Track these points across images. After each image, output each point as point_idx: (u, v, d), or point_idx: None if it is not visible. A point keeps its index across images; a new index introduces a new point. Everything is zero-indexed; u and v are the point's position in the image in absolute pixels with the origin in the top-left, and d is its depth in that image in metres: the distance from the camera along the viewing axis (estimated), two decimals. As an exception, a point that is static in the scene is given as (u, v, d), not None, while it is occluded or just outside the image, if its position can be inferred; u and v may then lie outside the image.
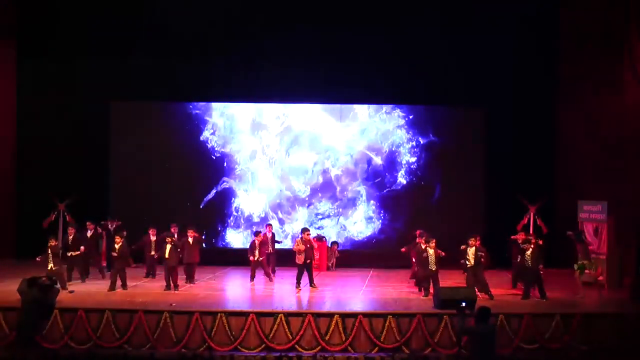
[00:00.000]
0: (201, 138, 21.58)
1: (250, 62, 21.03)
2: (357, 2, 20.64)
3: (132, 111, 21.69)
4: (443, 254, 16.07)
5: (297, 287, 16.71)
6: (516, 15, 20.38)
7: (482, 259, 16.00)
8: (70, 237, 17.51)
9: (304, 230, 17.13)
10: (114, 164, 21.50)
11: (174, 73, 20.96)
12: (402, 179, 21.43)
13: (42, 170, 20.94)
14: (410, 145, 21.42)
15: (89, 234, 18.31)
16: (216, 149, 21.63)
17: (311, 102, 21.55)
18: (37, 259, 16.06)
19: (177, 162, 21.53)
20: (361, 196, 21.49)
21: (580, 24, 20.24)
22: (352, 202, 21.54)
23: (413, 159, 21.41)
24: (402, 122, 21.46)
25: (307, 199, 21.56)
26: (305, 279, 16.87)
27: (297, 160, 21.59)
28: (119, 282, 16.36)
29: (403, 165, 21.41)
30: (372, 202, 21.45)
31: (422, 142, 21.39)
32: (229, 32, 20.93)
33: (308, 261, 16.67)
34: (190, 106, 21.65)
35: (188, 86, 21.28)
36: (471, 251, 15.93)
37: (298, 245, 16.75)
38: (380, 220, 21.47)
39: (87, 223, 18.51)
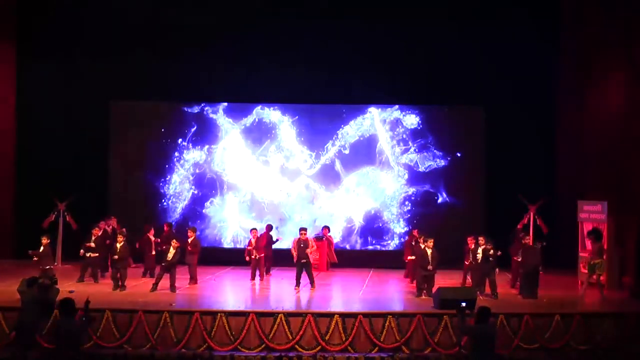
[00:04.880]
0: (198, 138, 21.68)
1: (250, 62, 20.98)
2: (359, 3, 20.66)
3: (131, 111, 21.66)
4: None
5: (296, 287, 16.74)
6: (517, 14, 20.38)
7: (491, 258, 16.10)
8: (94, 238, 17.46)
9: (302, 229, 17.24)
10: (114, 164, 21.50)
11: (174, 73, 20.93)
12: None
13: (42, 170, 20.91)
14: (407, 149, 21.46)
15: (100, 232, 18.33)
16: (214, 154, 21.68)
17: (312, 102, 21.52)
18: (34, 258, 15.91)
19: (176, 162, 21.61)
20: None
21: (580, 24, 20.25)
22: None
23: (413, 156, 21.45)
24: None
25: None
26: (305, 279, 16.93)
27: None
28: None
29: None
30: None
31: (421, 142, 21.43)
32: (230, 33, 20.89)
33: (303, 260, 16.72)
34: (189, 106, 21.66)
35: (188, 86, 21.25)
36: (480, 250, 16.02)
37: (295, 244, 16.98)
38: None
39: (101, 223, 18.61)
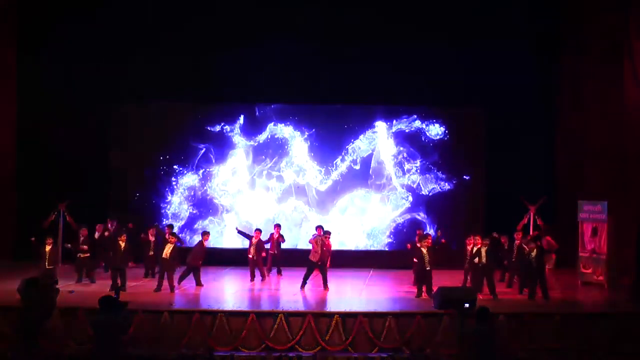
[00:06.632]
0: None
1: (253, 63, 20.96)
2: (361, 3, 20.65)
3: (131, 112, 21.65)
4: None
5: (302, 287, 16.71)
6: (517, 16, 20.38)
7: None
8: (82, 239, 17.51)
9: (326, 233, 17.15)
10: (114, 165, 21.49)
11: (174, 75, 20.89)
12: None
13: (42, 170, 20.90)
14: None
15: (106, 233, 18.36)
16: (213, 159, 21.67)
17: (313, 102, 21.52)
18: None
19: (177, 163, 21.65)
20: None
21: (581, 25, 20.25)
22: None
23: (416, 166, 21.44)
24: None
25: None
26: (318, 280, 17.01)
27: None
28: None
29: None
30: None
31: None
32: (230, 35, 20.88)
33: (320, 262, 16.67)
34: (191, 108, 21.69)
35: (189, 88, 21.22)
36: (483, 250, 16.01)
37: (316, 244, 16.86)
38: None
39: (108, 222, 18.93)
